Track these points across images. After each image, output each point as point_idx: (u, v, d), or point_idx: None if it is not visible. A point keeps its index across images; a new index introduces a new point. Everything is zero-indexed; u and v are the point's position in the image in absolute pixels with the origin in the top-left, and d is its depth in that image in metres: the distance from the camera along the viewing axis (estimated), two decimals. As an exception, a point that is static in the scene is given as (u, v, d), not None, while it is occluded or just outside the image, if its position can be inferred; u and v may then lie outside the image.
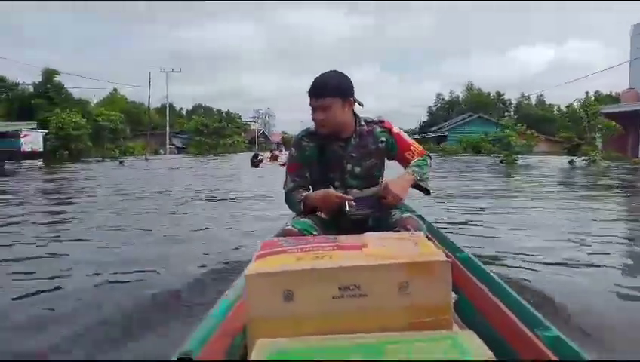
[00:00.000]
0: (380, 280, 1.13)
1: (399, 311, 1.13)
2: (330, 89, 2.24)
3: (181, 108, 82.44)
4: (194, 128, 58.37)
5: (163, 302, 2.84)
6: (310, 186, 2.48)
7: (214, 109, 76.66)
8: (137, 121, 61.46)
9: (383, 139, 2.42)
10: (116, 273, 3.50)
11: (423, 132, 70.94)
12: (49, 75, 41.38)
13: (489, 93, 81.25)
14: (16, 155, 30.68)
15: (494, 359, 0.91)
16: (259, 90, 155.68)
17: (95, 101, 57.00)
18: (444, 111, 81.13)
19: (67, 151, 37.53)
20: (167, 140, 57.26)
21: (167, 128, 58.54)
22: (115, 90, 68.45)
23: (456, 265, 1.87)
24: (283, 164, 21.44)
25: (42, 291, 3.10)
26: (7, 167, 23.72)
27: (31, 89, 41.48)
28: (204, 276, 3.35)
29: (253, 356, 0.98)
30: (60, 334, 2.36)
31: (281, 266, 1.17)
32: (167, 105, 62.11)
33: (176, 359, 1.12)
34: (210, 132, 57.24)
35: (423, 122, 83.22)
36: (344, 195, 2.26)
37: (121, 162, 28.66)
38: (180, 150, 59.31)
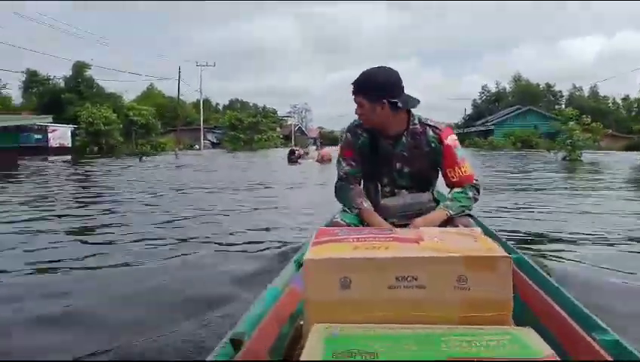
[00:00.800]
0: (438, 273, 1.12)
1: (456, 304, 1.11)
2: (361, 88, 2.24)
3: (217, 104, 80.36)
4: (228, 123, 56.89)
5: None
6: (361, 179, 2.48)
7: (250, 104, 75.00)
8: (174, 117, 60.40)
9: (433, 144, 2.32)
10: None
11: (467, 126, 67.78)
12: (80, 68, 40.75)
13: (538, 85, 76.82)
14: (44, 151, 29.69)
15: (555, 356, 0.89)
16: (296, 86, 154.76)
17: (130, 97, 57.07)
18: (490, 103, 77.39)
19: (97, 147, 36.40)
20: (202, 135, 55.87)
21: (202, 123, 57.14)
22: (151, 85, 67.82)
23: None
24: (323, 159, 18.21)
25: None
26: (25, 162, 22.38)
27: (62, 83, 40.63)
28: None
29: (309, 339, 1.00)
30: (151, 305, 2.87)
31: (339, 253, 1.19)
32: (201, 100, 60.72)
33: (228, 340, 1.19)
34: (245, 127, 55.59)
35: (468, 115, 79.67)
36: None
37: (140, 158, 27.15)
38: (215, 145, 57.91)
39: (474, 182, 2.30)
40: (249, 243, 4.64)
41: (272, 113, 68.40)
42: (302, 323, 1.48)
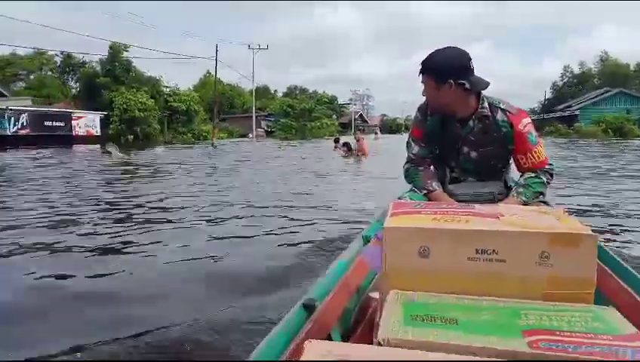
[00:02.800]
0: (520, 248, 1.11)
1: (538, 280, 1.11)
2: (426, 67, 2.16)
3: (275, 91, 76.34)
4: (280, 110, 53.06)
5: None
6: (431, 161, 2.43)
7: (310, 91, 70.59)
8: (231, 104, 57.44)
9: (504, 129, 2.22)
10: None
11: (546, 111, 60.57)
12: (116, 51, 36.57)
13: (628, 65, 67.80)
14: (66, 140, 26.85)
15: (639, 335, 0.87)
16: (359, 73, 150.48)
17: (184, 85, 54.90)
18: (573, 86, 69.07)
19: (132, 135, 33.43)
20: (254, 123, 52.33)
21: (254, 110, 53.54)
22: (208, 72, 65.11)
23: None
24: (360, 153, 15.56)
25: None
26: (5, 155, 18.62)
27: (98, 67, 37.40)
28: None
29: (387, 304, 1.04)
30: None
31: (419, 223, 1.20)
32: (253, 85, 56.72)
33: (301, 305, 1.26)
34: (297, 114, 51.46)
35: (546, 100, 71.78)
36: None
37: (213, 145, 24.36)
38: (269, 133, 54.22)
39: (547, 166, 2.22)
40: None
41: (328, 99, 63.92)
42: (370, 294, 1.64)
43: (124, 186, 8.92)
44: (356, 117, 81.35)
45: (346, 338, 1.46)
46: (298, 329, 1.18)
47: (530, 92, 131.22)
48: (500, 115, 2.22)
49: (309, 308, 1.26)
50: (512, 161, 2.33)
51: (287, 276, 3.07)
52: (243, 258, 3.66)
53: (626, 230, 4.49)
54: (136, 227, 4.87)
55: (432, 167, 2.42)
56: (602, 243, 1.81)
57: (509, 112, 2.22)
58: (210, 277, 3.16)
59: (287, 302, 1.48)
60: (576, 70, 70.87)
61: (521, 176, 2.25)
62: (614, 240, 3.86)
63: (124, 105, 33.37)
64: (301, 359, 0.78)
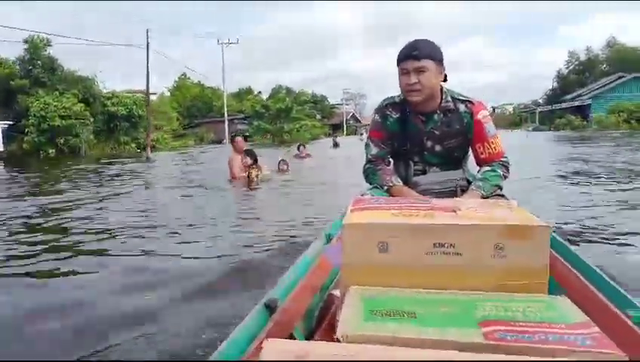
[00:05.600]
0: (476, 240, 1.14)
1: (493, 271, 1.13)
2: (427, 51, 2.16)
3: (259, 92, 69.09)
4: (251, 111, 46.69)
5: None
6: (390, 160, 2.48)
7: (296, 91, 64.03)
8: (210, 108, 51.37)
9: (465, 120, 2.28)
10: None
11: (554, 102, 54.34)
12: (36, 46, 29.60)
13: (637, 50, 61.52)
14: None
15: (592, 323, 0.91)
16: (352, 73, 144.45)
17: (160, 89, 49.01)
18: (580, 74, 62.77)
19: (54, 150, 26.90)
20: (226, 128, 45.95)
21: (226, 114, 47.13)
22: (184, 75, 58.81)
23: None
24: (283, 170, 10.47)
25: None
26: None
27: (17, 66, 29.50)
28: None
29: (346, 299, 1.05)
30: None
31: (378, 219, 1.21)
32: (224, 85, 50.16)
33: (263, 305, 1.27)
34: (272, 116, 45.01)
35: (551, 90, 65.48)
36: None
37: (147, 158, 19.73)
38: (247, 138, 47.81)
39: (502, 159, 2.29)
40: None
41: (309, 98, 57.33)
42: (332, 292, 1.64)
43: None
44: (348, 117, 77.12)
45: (309, 336, 1.46)
46: (260, 328, 1.18)
47: (529, 84, 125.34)
48: (462, 107, 2.28)
49: (270, 307, 1.27)
50: (470, 151, 2.38)
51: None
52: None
53: None
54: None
55: (391, 164, 2.47)
56: (555, 234, 1.82)
57: (470, 102, 2.29)
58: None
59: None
60: (583, 57, 64.68)
61: (478, 171, 2.30)
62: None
63: (41, 112, 26.70)
64: (260, 359, 0.78)
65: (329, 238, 2.01)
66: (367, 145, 2.48)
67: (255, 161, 8.66)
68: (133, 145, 31.18)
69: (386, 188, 2.31)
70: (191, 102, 52.69)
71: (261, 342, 0.93)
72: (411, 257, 1.15)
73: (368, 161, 2.45)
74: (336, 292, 1.56)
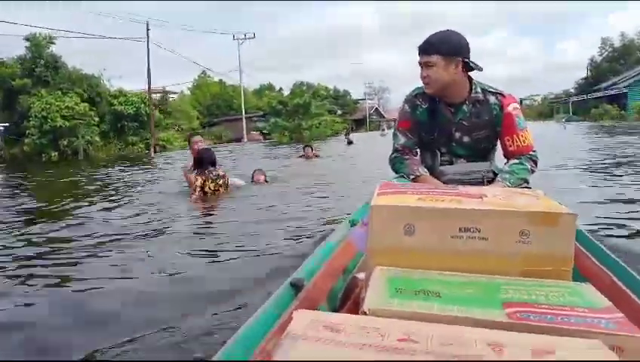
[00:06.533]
0: (501, 226, 1.14)
1: (518, 257, 1.14)
2: (435, 46, 2.17)
3: (281, 88, 66.95)
4: (268, 108, 44.81)
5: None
6: (417, 150, 2.47)
7: (321, 85, 61.66)
8: (230, 106, 49.91)
9: (495, 112, 2.27)
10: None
11: (585, 92, 51.35)
12: (38, 44, 27.83)
13: (675, 34, 57.92)
14: None
15: (615, 308, 0.91)
16: (376, 68, 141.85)
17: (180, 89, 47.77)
18: (614, 62, 59.34)
19: (57, 152, 25.45)
20: (244, 126, 44.36)
21: (243, 111, 45.44)
22: (203, 73, 57.26)
23: None
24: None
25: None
26: None
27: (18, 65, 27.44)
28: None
29: (372, 279, 1.07)
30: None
31: (405, 202, 1.22)
32: (241, 81, 48.54)
33: (289, 284, 1.30)
34: (290, 112, 43.13)
35: (583, 79, 62.19)
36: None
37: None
38: (266, 136, 45.87)
39: (531, 153, 2.25)
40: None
41: (326, 92, 55.23)
42: (356, 275, 1.60)
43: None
44: (371, 111, 74.75)
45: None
46: (286, 306, 1.19)
47: (557, 75, 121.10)
48: (492, 99, 2.27)
49: (296, 286, 1.29)
50: (498, 143, 2.36)
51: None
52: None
53: None
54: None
55: (418, 155, 2.47)
56: (582, 228, 1.80)
57: (500, 95, 2.28)
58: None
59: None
60: (617, 43, 61.17)
61: (506, 163, 2.29)
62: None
63: (42, 113, 25.25)
64: (289, 327, 0.80)
65: (354, 223, 2.02)
66: (394, 135, 2.48)
67: (211, 166, 6.18)
68: (142, 145, 29.56)
69: (412, 177, 2.31)
70: (211, 101, 50.72)
71: (289, 316, 0.94)
72: (437, 240, 1.16)
73: (395, 151, 2.45)
74: (360, 276, 1.53)
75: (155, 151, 26.39)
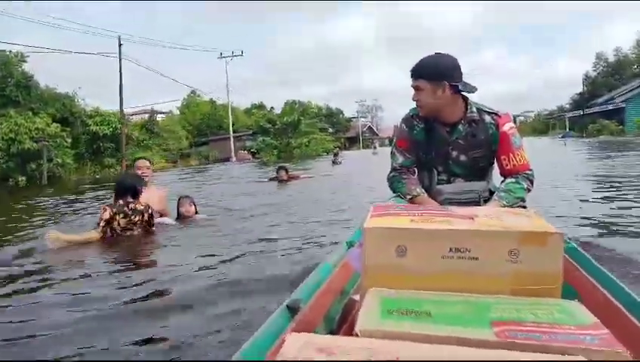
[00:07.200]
0: (491, 246, 1.17)
1: (507, 276, 1.16)
2: (421, 71, 2.23)
3: (272, 108, 65.46)
4: (256, 126, 43.38)
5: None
6: (415, 169, 2.49)
7: (312, 104, 60.36)
8: (220, 125, 48.42)
9: (491, 131, 2.31)
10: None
11: (585, 106, 50.45)
12: (8, 62, 25.53)
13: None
14: None
15: (601, 325, 0.93)
16: (369, 86, 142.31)
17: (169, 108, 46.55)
18: (609, 76, 58.54)
19: (25, 177, 23.74)
20: (232, 145, 42.91)
21: (231, 130, 44.00)
22: (193, 92, 55.80)
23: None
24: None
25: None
26: None
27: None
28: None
29: (365, 299, 1.10)
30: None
31: (397, 223, 1.26)
32: (229, 100, 47.06)
33: (285, 306, 1.28)
34: (279, 130, 41.69)
35: (578, 94, 61.49)
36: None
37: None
38: (255, 155, 44.43)
39: (528, 172, 2.28)
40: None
41: (317, 110, 53.71)
42: (353, 297, 1.61)
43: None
44: (364, 129, 74.70)
45: None
46: (282, 329, 1.20)
47: (550, 91, 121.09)
48: (487, 118, 2.30)
49: (292, 309, 1.28)
50: (495, 163, 2.39)
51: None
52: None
53: None
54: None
55: (415, 174, 2.48)
56: (575, 243, 1.85)
57: (495, 114, 2.31)
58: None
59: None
60: (611, 58, 60.48)
61: (502, 182, 2.31)
62: None
63: (10, 135, 23.40)
64: (282, 350, 0.82)
65: (351, 245, 2.01)
66: (392, 154, 2.51)
67: (132, 196, 4.77)
68: (119, 167, 27.96)
69: (409, 197, 2.33)
70: (201, 120, 49.43)
71: (283, 340, 0.95)
72: (428, 261, 1.19)
73: (394, 170, 2.48)
74: (357, 297, 1.53)
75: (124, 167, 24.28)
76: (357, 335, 0.91)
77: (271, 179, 12.11)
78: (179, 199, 5.98)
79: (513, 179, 2.23)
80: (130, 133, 29.40)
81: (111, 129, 28.42)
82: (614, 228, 4.33)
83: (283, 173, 11.83)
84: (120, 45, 27.36)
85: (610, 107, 44.85)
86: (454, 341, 0.87)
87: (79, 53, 50.87)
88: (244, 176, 17.54)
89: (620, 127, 40.75)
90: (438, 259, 1.17)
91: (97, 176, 26.02)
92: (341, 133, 65.87)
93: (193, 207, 5.90)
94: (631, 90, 44.59)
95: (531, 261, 1.14)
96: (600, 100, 49.51)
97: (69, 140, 25.88)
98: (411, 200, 2.30)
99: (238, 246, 4.31)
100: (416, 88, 2.23)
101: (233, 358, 1.01)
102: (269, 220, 5.81)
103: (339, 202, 7.35)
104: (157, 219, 5.17)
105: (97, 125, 28.32)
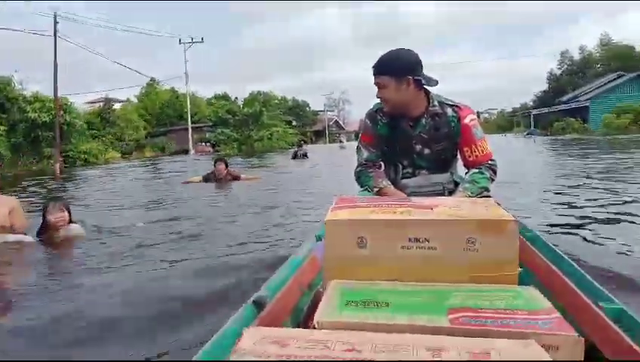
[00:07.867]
0: (449, 235, 1.18)
1: (466, 264, 1.18)
2: (384, 67, 2.24)
3: (236, 98, 62.50)
4: (215, 117, 41.45)
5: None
6: (381, 163, 2.50)
7: (279, 97, 58.18)
8: (181, 116, 45.53)
9: (453, 124, 2.32)
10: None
11: (550, 104, 50.34)
12: None
13: (632, 48, 57.67)
14: None
15: (555, 310, 0.96)
16: (338, 80, 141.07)
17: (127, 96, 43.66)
18: (573, 75, 58.67)
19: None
20: (190, 136, 40.65)
21: (190, 121, 41.69)
22: (152, 80, 52.75)
23: (522, 241, 1.76)
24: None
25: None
26: None
27: None
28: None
29: (326, 292, 1.10)
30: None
31: (357, 215, 1.27)
32: (187, 89, 44.64)
33: (251, 302, 1.25)
34: (239, 122, 39.87)
35: (542, 92, 61.41)
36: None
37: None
38: (215, 147, 42.35)
39: (490, 162, 2.31)
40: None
41: (280, 101, 52.05)
42: (321, 290, 1.56)
43: None
44: (331, 123, 73.18)
45: None
46: (246, 324, 1.16)
47: (515, 89, 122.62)
48: (449, 111, 2.32)
49: (259, 304, 1.27)
50: (458, 155, 2.41)
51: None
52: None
53: None
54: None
55: (382, 167, 2.50)
56: (533, 230, 1.89)
57: (457, 107, 2.32)
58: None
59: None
60: (576, 56, 60.60)
61: (466, 173, 2.33)
62: None
63: None
64: (237, 345, 0.80)
65: (319, 238, 2.00)
66: (358, 149, 2.52)
67: None
68: (52, 159, 25.53)
69: (376, 189, 2.34)
70: (160, 109, 46.35)
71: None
72: (388, 251, 1.19)
73: (360, 164, 2.49)
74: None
75: (62, 169, 20.23)
76: (314, 327, 0.92)
77: (206, 180, 9.20)
78: (47, 205, 4.38)
79: (477, 170, 2.27)
80: (73, 120, 26.98)
81: (50, 116, 25.37)
82: (581, 221, 4.29)
83: (222, 166, 9.12)
84: (56, 23, 24.79)
85: (574, 105, 44.78)
86: (411, 329, 0.88)
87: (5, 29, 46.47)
88: (188, 168, 15.72)
89: (585, 125, 40.63)
90: (398, 249, 1.19)
91: (34, 169, 23.77)
92: (307, 126, 64.35)
93: (66, 213, 4.30)
94: (594, 89, 44.65)
95: (488, 249, 1.17)
96: (564, 98, 49.48)
97: (4, 128, 23.54)
98: (378, 193, 2.32)
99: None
100: (380, 85, 2.26)
101: (194, 358, 0.96)
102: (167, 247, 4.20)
103: (287, 212, 5.60)
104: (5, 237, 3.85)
105: (36, 112, 25.56)
